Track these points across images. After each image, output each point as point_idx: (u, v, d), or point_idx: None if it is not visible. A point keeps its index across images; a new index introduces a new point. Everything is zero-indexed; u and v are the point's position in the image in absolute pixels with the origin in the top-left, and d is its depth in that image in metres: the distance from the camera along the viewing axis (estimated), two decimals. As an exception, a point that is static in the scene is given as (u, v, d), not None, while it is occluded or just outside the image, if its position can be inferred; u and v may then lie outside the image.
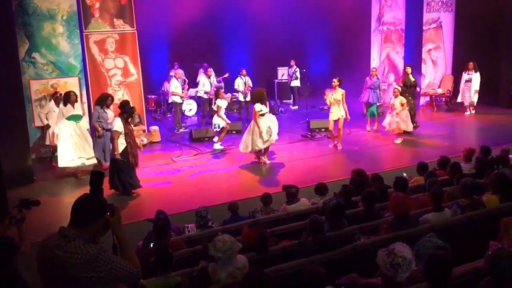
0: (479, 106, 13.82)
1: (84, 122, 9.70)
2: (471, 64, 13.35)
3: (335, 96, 10.35)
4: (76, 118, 9.22)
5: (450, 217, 4.95)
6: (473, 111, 13.60)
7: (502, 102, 14.26)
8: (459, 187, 5.28)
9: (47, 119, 10.02)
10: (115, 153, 7.83)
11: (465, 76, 13.52)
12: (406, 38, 15.14)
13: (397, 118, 10.83)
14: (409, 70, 11.66)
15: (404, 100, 10.99)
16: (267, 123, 9.62)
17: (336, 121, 10.50)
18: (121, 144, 7.87)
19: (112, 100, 9.57)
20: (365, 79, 12.98)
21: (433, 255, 3.19)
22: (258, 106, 9.54)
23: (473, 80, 13.27)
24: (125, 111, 7.94)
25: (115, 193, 8.13)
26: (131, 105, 8.28)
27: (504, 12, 14.06)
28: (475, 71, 13.29)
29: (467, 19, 14.67)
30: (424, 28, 14.96)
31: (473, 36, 14.57)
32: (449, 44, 15.21)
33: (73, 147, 9.01)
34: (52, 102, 9.98)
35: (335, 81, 10.39)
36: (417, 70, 13.84)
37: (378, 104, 12.47)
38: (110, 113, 9.25)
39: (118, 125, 7.81)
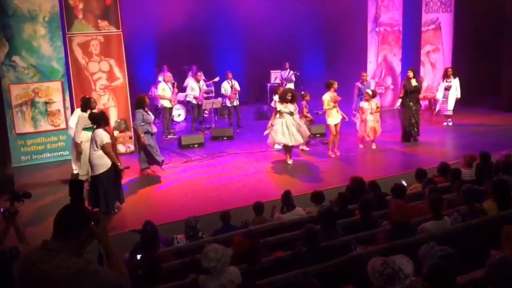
0: (480, 109, 13.93)
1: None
2: (450, 71, 12.90)
3: (336, 99, 10.48)
4: (92, 128, 8.78)
5: (449, 225, 4.99)
6: (450, 123, 13.01)
7: (503, 106, 14.38)
8: (461, 194, 5.34)
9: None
10: (118, 164, 7.68)
11: (443, 84, 12.93)
12: (403, 40, 15.29)
13: (372, 122, 10.93)
14: (410, 74, 11.60)
15: (379, 103, 11.22)
16: (286, 124, 9.88)
17: (336, 125, 10.61)
18: (103, 157, 7.61)
19: (148, 99, 9.65)
20: (355, 85, 13.07)
21: (435, 265, 3.22)
22: (278, 106, 10.04)
23: (453, 87, 12.73)
24: (100, 122, 7.67)
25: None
26: (96, 111, 7.99)
27: (505, 12, 14.20)
28: (454, 77, 12.77)
29: (467, 20, 14.81)
30: (422, 29, 15.10)
31: (473, 38, 14.71)
32: (448, 46, 15.35)
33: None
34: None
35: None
36: (416, 73, 13.88)
37: None
38: (152, 115, 9.23)
39: (106, 136, 7.57)
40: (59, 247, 2.60)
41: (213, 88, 14.59)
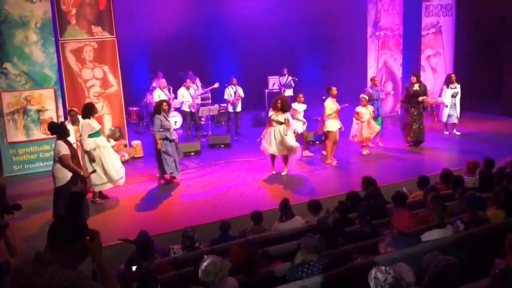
0: (482, 115, 13.93)
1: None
2: (453, 76, 12.54)
3: (337, 106, 10.50)
4: (99, 133, 8.76)
5: (452, 233, 4.99)
6: (458, 132, 12.70)
7: (506, 111, 14.40)
8: (463, 202, 5.34)
9: None
10: (80, 171, 7.50)
11: (449, 91, 12.35)
12: (404, 44, 15.34)
13: (368, 128, 11.06)
14: (413, 78, 11.62)
15: (373, 108, 11.37)
16: (274, 134, 9.82)
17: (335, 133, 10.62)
18: (62, 169, 7.43)
19: (167, 104, 9.77)
20: (365, 90, 13.01)
21: (436, 274, 3.23)
22: (270, 113, 9.98)
23: (458, 94, 12.38)
24: (60, 133, 7.47)
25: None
26: (57, 121, 7.81)
27: (507, 16, 14.28)
28: (458, 83, 12.43)
29: (468, 24, 14.89)
30: (422, 33, 15.17)
31: (475, 42, 14.77)
32: (449, 50, 15.41)
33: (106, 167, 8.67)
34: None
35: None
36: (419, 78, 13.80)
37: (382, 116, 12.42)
38: (171, 121, 9.15)
39: (63, 147, 7.36)
40: (52, 259, 2.59)
41: (209, 95, 14.59)
